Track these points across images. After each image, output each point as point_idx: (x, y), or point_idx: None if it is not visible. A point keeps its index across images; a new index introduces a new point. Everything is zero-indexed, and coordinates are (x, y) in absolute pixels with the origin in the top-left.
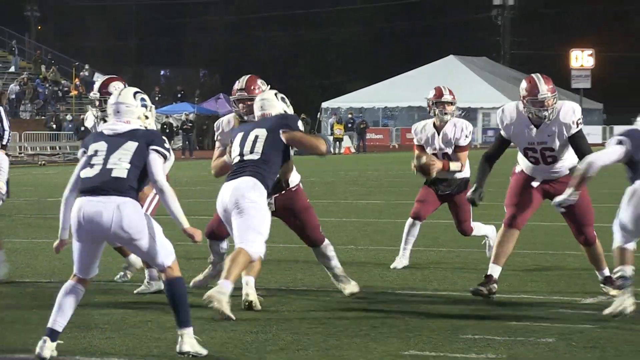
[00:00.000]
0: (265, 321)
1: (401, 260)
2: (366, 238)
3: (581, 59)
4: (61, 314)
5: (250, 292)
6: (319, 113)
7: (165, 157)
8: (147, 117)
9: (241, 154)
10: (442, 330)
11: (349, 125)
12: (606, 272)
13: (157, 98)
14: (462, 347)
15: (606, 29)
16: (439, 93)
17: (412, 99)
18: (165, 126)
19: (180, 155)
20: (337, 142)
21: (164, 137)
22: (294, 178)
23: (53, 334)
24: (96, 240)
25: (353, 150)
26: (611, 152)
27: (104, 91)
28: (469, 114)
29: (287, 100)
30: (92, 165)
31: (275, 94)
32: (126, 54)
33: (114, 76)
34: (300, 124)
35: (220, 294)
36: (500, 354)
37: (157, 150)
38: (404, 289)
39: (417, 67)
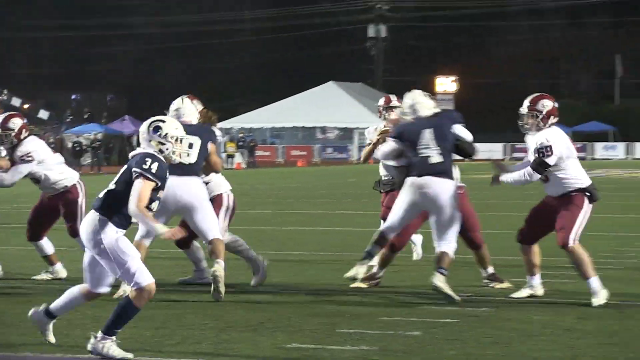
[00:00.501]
0: (163, 318)
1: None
2: (256, 243)
3: (445, 85)
4: (63, 307)
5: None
6: None
7: (148, 178)
8: (162, 144)
9: None
10: (322, 325)
11: (240, 143)
12: (490, 270)
13: (68, 120)
14: (339, 340)
15: (467, 58)
16: (388, 100)
17: (296, 120)
18: (76, 144)
19: (89, 171)
20: (230, 158)
21: (147, 159)
22: (225, 187)
23: (49, 313)
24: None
25: (244, 165)
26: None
27: (5, 127)
28: (346, 133)
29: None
30: None
31: (192, 102)
32: (42, 80)
33: (14, 112)
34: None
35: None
36: (372, 345)
37: (135, 172)
38: (288, 288)
39: (301, 92)
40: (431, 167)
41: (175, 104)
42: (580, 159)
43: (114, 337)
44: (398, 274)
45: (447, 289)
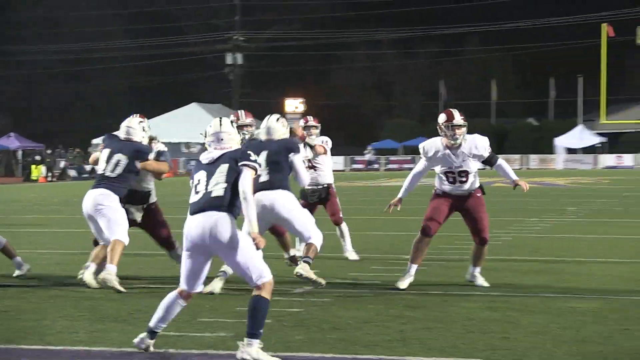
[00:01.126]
0: (44, 311)
1: (351, 254)
2: (133, 242)
3: (294, 105)
4: (162, 320)
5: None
6: (89, 147)
7: (255, 169)
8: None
9: (104, 170)
10: (184, 314)
11: None
12: (291, 253)
13: None
14: (200, 327)
15: (313, 82)
16: (306, 120)
17: (164, 136)
18: None
19: None
20: None
21: (249, 152)
22: (153, 197)
23: (153, 334)
24: (201, 252)
25: None
26: None
27: None
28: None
29: (146, 126)
30: (197, 192)
31: (140, 122)
32: None
33: None
34: (151, 156)
35: (110, 275)
36: (229, 332)
37: (246, 164)
38: (156, 282)
39: (167, 111)
40: (260, 185)
41: (130, 123)
42: (410, 169)
43: (257, 340)
44: None
45: (311, 275)
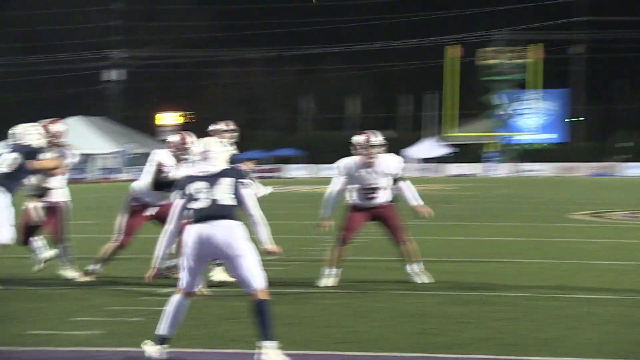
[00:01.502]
0: None
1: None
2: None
3: (171, 119)
4: (175, 324)
5: None
6: None
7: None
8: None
9: None
10: (56, 314)
11: None
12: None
13: None
14: (73, 326)
15: (188, 97)
16: (228, 124)
17: None
18: None
19: None
20: None
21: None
22: (59, 196)
23: (165, 341)
24: (208, 256)
25: None
26: None
27: None
28: (88, 158)
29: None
30: (197, 200)
31: (29, 127)
32: None
33: None
34: (41, 155)
35: None
36: (102, 330)
37: (244, 183)
38: (53, 283)
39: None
40: None
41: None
42: (276, 177)
43: (273, 342)
44: (118, 270)
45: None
